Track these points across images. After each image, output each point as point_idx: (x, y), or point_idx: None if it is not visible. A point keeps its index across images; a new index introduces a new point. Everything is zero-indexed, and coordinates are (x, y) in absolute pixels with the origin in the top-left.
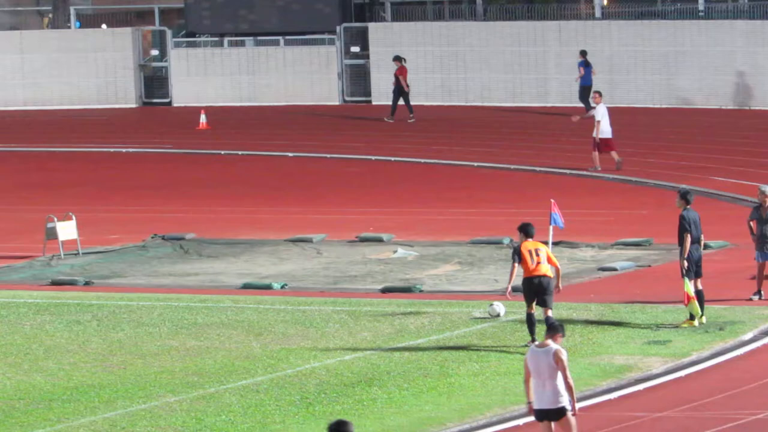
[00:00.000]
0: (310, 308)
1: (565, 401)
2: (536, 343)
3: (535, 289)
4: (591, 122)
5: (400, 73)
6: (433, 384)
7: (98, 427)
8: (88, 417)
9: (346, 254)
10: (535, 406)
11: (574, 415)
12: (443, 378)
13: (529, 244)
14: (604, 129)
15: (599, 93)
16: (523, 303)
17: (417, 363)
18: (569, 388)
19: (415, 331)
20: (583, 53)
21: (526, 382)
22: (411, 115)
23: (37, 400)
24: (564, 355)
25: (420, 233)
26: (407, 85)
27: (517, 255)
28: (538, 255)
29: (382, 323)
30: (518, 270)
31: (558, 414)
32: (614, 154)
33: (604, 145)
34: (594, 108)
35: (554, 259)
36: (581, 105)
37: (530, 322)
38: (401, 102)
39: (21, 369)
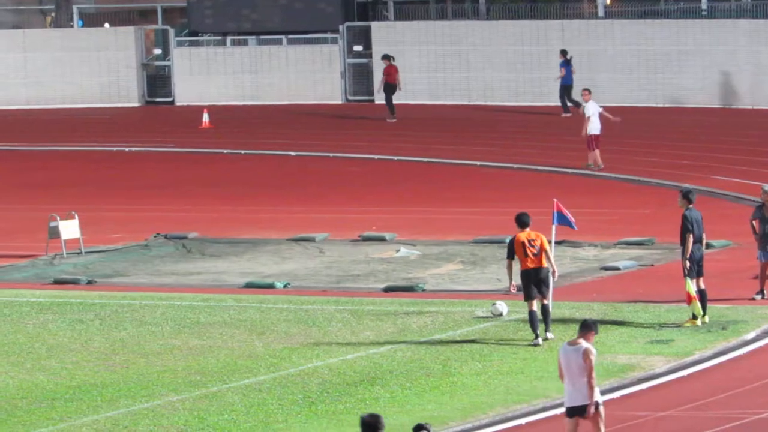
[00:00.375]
0: (313, 307)
1: (596, 397)
2: (568, 340)
3: (534, 280)
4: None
5: (389, 71)
6: (435, 383)
7: (101, 426)
8: (91, 416)
9: (349, 253)
10: (567, 404)
11: (586, 416)
12: (446, 377)
13: (523, 235)
14: (594, 126)
15: (588, 90)
16: (524, 303)
17: (419, 362)
18: (590, 388)
19: (417, 331)
20: (564, 53)
21: (561, 378)
22: (393, 115)
23: (39, 399)
24: (593, 354)
25: (423, 232)
26: (381, 85)
27: (509, 250)
28: (532, 246)
29: (385, 322)
30: (516, 266)
31: (588, 411)
32: (595, 153)
33: (591, 141)
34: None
35: (546, 245)
36: (562, 104)
37: (532, 319)
38: (384, 100)
39: (24, 368)
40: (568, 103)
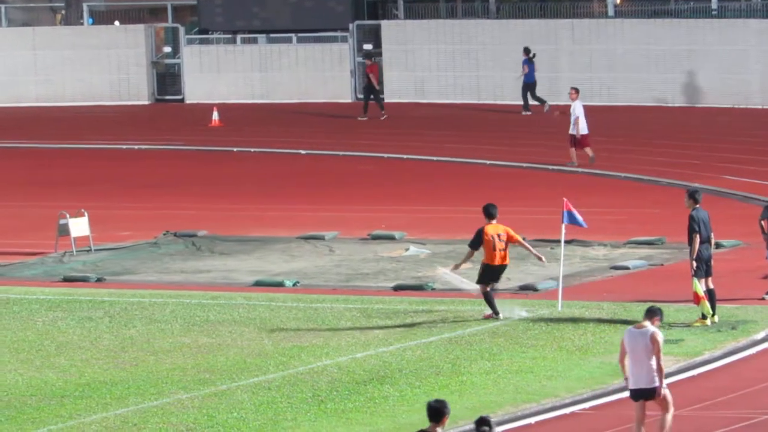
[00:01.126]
0: (322, 306)
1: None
2: (634, 324)
3: (497, 275)
4: (567, 119)
5: (371, 70)
6: (445, 382)
7: (110, 424)
8: (100, 413)
9: (358, 252)
10: (631, 386)
11: (656, 398)
12: (455, 376)
13: (491, 229)
14: (582, 126)
15: (576, 89)
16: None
17: (429, 361)
18: (660, 370)
19: (427, 329)
20: (527, 51)
21: (621, 360)
22: (383, 113)
23: (49, 396)
24: (660, 338)
25: (432, 231)
26: (378, 84)
27: (476, 240)
28: (501, 241)
29: (394, 321)
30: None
31: (654, 393)
32: (588, 150)
33: (581, 141)
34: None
35: (517, 237)
36: (523, 102)
37: (489, 298)
38: (367, 98)
39: (33, 365)
40: (531, 101)
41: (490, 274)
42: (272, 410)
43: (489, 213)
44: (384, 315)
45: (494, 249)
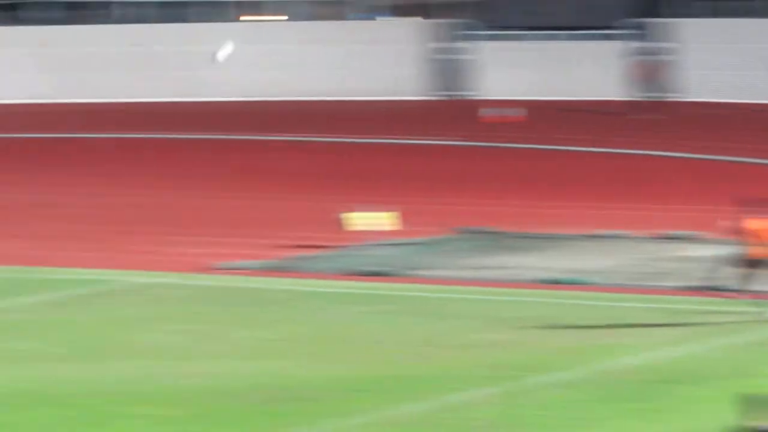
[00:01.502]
0: (620, 304)
1: None
2: None
3: (755, 267)
4: None
5: (638, 68)
6: (754, 384)
7: (409, 418)
8: (397, 408)
9: (656, 251)
10: None
11: None
12: (763, 378)
13: (755, 223)
14: None
15: None
16: None
17: (735, 362)
18: None
19: (730, 330)
20: None
21: None
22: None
23: (343, 389)
24: None
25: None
26: (648, 83)
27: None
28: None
29: (696, 320)
30: None
31: None
32: None
33: None
34: None
35: None
36: None
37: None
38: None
39: (327, 359)
40: None
41: (748, 266)
42: (574, 408)
43: (760, 209)
44: (684, 314)
45: (754, 244)
